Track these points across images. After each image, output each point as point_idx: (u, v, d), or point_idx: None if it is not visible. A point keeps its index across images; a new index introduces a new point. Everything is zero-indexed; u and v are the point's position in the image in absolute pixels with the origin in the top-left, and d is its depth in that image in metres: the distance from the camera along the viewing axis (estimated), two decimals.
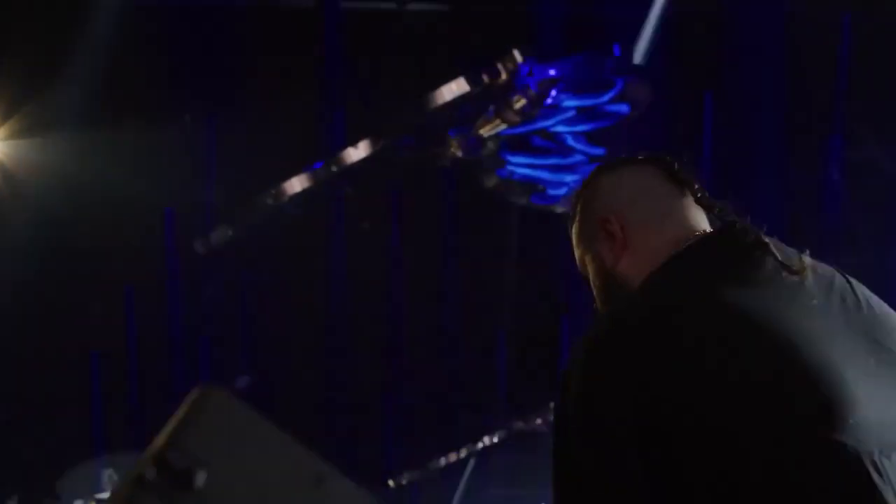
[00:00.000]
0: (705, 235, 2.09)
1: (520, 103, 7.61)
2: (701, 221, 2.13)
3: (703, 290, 1.95)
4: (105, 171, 6.98)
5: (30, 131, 7.00)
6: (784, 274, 1.98)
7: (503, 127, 7.76)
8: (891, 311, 2.06)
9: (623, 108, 7.42)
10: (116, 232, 7.10)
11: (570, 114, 7.53)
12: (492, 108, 7.65)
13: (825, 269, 2.06)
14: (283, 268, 7.67)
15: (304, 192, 7.63)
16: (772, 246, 2.01)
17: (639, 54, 7.41)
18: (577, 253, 2.21)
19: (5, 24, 6.77)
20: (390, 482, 7.60)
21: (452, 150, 7.83)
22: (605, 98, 7.42)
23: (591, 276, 2.18)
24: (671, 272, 2.01)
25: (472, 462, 7.45)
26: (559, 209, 7.38)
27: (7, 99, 6.88)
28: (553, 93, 7.53)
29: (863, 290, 2.06)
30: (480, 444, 7.55)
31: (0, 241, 7.11)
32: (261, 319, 7.79)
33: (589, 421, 1.85)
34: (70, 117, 7.00)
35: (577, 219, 2.21)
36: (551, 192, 7.61)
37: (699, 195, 2.14)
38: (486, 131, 7.75)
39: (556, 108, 7.57)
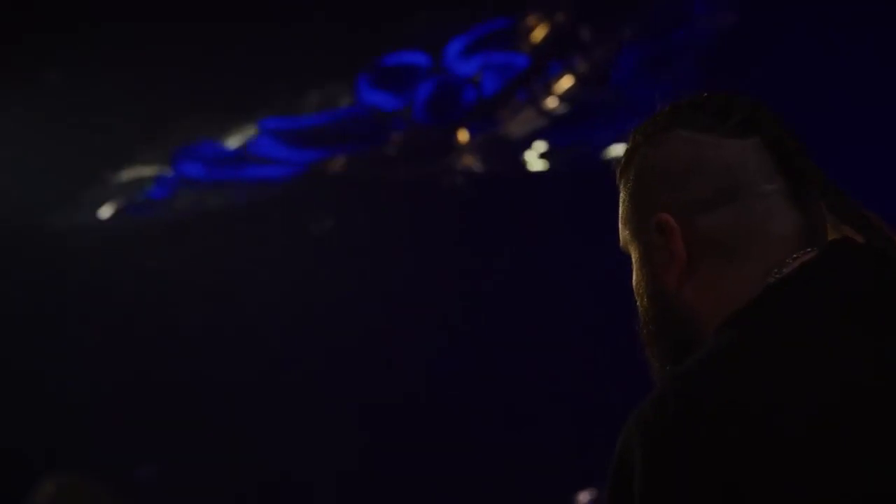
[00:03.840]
0: (813, 262, 1.71)
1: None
2: (808, 238, 1.76)
3: (829, 360, 1.58)
4: None
5: None
6: None
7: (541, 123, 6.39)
8: None
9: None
10: None
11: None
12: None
13: None
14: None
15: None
16: None
17: None
18: (620, 230, 1.90)
19: None
20: None
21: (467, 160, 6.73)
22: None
23: (634, 282, 1.87)
24: (763, 322, 1.66)
25: None
26: None
27: None
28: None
29: None
30: None
31: None
32: None
33: None
34: None
35: (627, 184, 1.88)
36: None
37: (824, 194, 1.77)
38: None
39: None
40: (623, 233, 1.91)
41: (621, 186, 1.92)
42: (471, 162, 6.68)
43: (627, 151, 1.92)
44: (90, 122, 5.95)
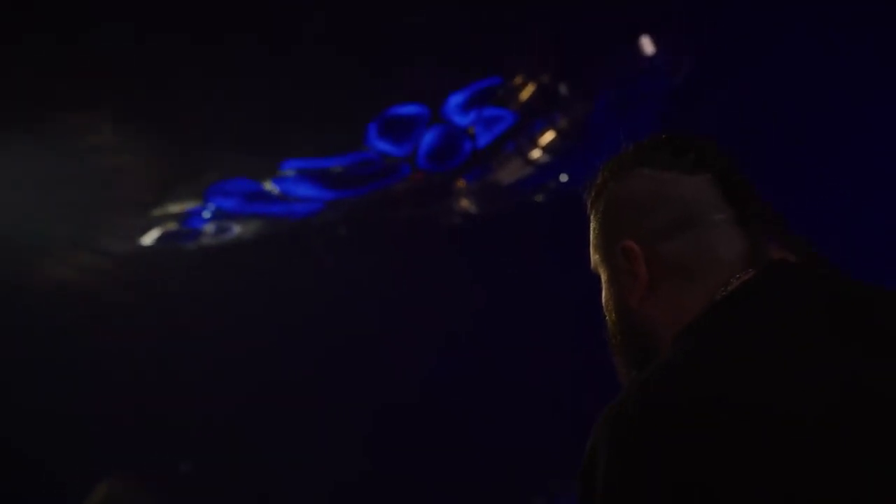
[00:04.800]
0: (752, 280, 1.80)
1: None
2: (751, 259, 1.84)
3: (768, 362, 1.64)
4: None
5: None
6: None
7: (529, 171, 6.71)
8: None
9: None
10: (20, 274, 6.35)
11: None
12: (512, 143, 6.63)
13: None
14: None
15: None
16: (847, 290, 1.77)
17: None
18: (591, 254, 2.01)
19: None
20: None
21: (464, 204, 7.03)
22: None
23: (604, 298, 1.98)
24: (719, 332, 1.73)
25: None
26: None
27: None
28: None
29: None
30: None
31: None
32: None
33: None
34: None
35: (597, 212, 2.00)
36: None
37: (763, 222, 1.88)
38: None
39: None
40: (594, 256, 2.03)
41: (592, 216, 2.04)
42: (467, 204, 6.93)
43: (597, 186, 2.04)
44: (137, 163, 6.11)
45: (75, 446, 6.56)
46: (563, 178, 6.63)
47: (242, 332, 6.77)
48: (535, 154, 6.62)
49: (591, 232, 2.01)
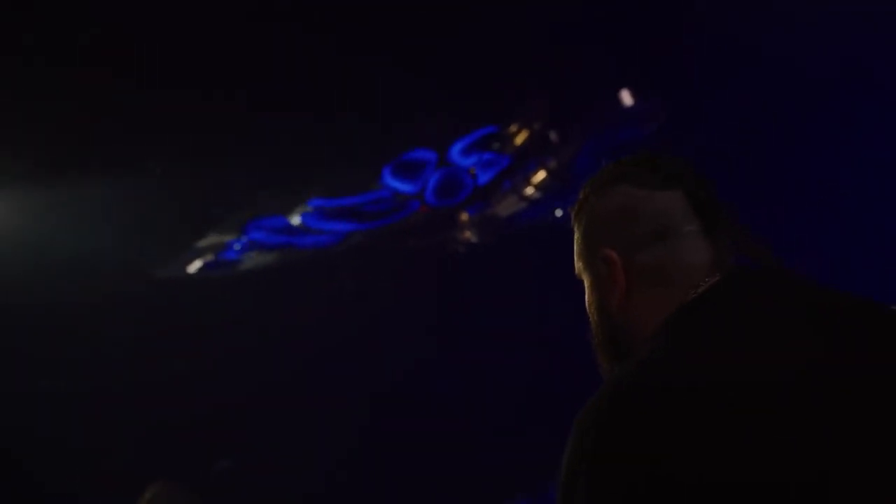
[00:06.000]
0: (719, 283, 1.86)
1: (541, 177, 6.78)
2: (718, 265, 1.91)
3: (731, 353, 1.69)
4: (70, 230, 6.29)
5: None
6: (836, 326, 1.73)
7: (523, 205, 6.96)
8: None
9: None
10: (80, 295, 6.41)
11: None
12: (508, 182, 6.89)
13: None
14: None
15: None
16: (806, 291, 1.81)
17: None
18: (575, 262, 2.06)
19: None
20: None
21: (466, 234, 7.22)
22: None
23: (587, 301, 2.03)
24: (687, 330, 1.79)
25: None
26: None
27: None
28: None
29: None
30: None
31: None
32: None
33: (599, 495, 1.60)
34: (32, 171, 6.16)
35: (579, 227, 2.05)
36: None
37: (729, 232, 1.93)
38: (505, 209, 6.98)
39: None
40: (577, 264, 2.08)
41: (575, 228, 2.09)
42: (469, 235, 7.18)
43: (580, 201, 2.10)
44: (183, 201, 6.36)
45: (126, 450, 6.71)
46: (559, 213, 6.84)
47: (276, 346, 6.94)
48: (529, 191, 6.86)
49: (575, 242, 2.07)
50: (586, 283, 2.05)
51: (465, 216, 7.16)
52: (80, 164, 5.93)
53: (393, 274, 7.21)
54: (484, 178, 6.84)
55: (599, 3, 5.92)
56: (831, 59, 5.88)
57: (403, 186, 6.73)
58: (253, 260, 6.96)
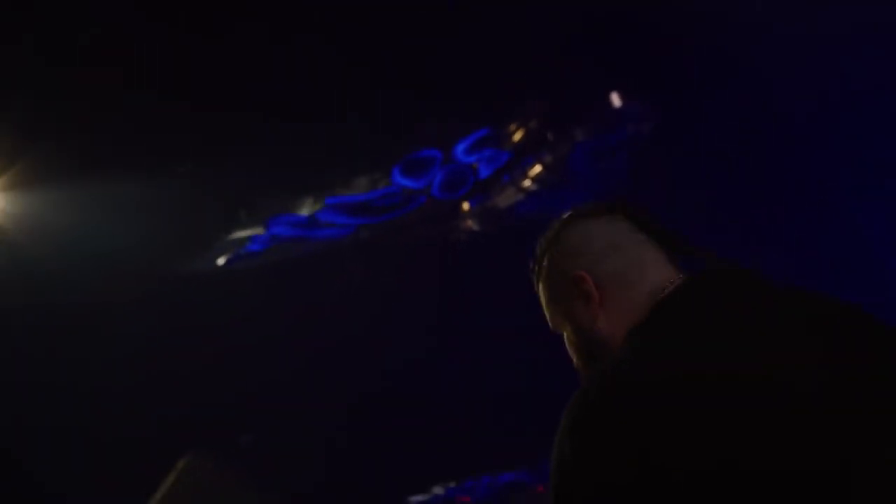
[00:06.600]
0: (686, 282, 1.95)
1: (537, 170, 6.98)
2: (675, 269, 2.00)
3: (693, 345, 1.76)
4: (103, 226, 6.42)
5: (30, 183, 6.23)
6: (781, 317, 1.79)
7: (520, 197, 7.18)
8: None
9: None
10: (113, 290, 6.59)
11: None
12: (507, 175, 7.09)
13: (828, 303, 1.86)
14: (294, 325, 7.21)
15: None
16: (766, 287, 1.86)
17: None
18: (547, 312, 2.10)
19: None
20: None
21: (468, 224, 7.41)
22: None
23: (566, 336, 2.07)
24: (657, 327, 1.87)
25: None
26: None
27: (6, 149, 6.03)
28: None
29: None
30: None
31: None
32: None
33: (589, 489, 1.67)
34: (67, 168, 6.22)
35: (544, 276, 2.10)
36: None
37: (672, 241, 2.03)
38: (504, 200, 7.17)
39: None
40: (551, 315, 2.15)
41: (539, 285, 2.17)
42: (470, 225, 7.37)
43: (538, 256, 2.18)
44: (211, 198, 6.46)
45: (158, 431, 6.77)
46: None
47: (294, 334, 7.09)
48: (526, 184, 7.02)
49: (541, 296, 2.15)
50: (565, 327, 2.10)
51: (466, 208, 7.30)
52: (112, 164, 5.93)
53: (400, 262, 7.32)
54: (485, 172, 6.95)
55: (597, 6, 5.92)
56: (831, 59, 5.85)
57: (411, 183, 6.83)
58: (274, 253, 7.05)
